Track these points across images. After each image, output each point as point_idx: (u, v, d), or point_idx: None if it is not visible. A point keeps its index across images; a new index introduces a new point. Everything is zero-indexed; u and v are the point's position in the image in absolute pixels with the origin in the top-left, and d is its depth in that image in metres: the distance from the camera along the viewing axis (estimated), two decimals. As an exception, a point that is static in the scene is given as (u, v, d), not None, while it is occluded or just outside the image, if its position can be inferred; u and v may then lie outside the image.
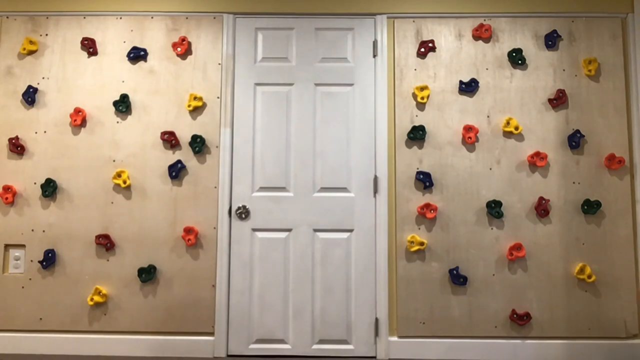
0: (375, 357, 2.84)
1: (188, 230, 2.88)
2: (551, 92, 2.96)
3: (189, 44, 3.01)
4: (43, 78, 2.99)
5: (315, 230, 2.92)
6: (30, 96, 2.96)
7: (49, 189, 2.90)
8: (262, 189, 2.95)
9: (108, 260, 2.90)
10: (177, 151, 2.96)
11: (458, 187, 2.91)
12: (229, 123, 2.98)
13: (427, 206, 2.88)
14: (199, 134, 2.94)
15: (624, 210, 2.88)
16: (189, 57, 3.01)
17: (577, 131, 2.91)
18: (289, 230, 2.93)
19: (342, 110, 2.99)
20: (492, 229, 2.89)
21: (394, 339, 2.85)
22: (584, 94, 2.95)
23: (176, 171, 2.92)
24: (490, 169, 2.92)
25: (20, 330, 2.86)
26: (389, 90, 2.98)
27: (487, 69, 2.98)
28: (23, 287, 2.88)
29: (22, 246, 2.91)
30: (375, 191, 2.93)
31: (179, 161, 2.93)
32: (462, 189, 2.92)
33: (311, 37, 3.04)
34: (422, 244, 2.86)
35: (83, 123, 2.96)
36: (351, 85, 3.00)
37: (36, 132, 2.96)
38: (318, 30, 3.05)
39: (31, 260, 2.89)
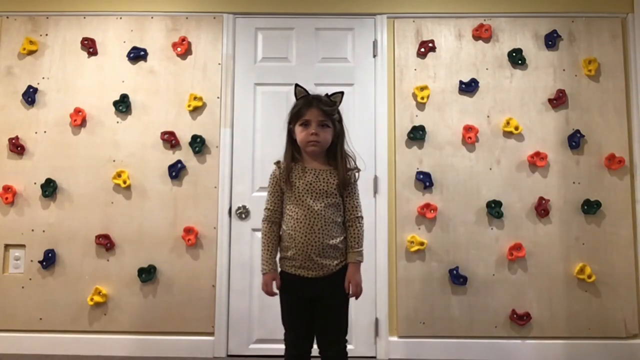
0: (375, 357, 2.84)
1: (188, 230, 2.88)
2: (551, 92, 2.96)
3: (189, 44, 3.00)
4: (43, 78, 2.99)
5: (315, 230, 2.91)
6: (30, 96, 2.96)
7: (49, 189, 2.90)
8: (262, 188, 2.94)
9: (108, 260, 2.89)
10: (177, 151, 2.95)
11: (458, 187, 2.91)
12: (229, 123, 2.97)
13: (427, 206, 2.88)
14: (199, 134, 2.94)
15: (624, 210, 2.88)
16: (189, 57, 3.01)
17: (577, 131, 2.91)
18: (289, 230, 2.92)
19: (342, 110, 2.97)
20: (492, 229, 2.88)
21: (394, 339, 2.85)
22: (584, 94, 2.95)
23: (176, 171, 2.92)
24: (490, 169, 2.92)
25: (20, 330, 2.86)
26: (389, 90, 2.98)
27: (487, 69, 2.98)
28: (23, 287, 2.88)
29: (22, 246, 2.91)
30: (375, 191, 2.93)
31: (179, 161, 2.93)
32: (462, 189, 2.92)
33: (311, 37, 3.03)
34: (422, 244, 2.86)
35: (83, 123, 2.96)
36: (351, 85, 2.99)
37: (36, 132, 2.96)
38: (318, 30, 3.04)
39: (31, 260, 2.89)
